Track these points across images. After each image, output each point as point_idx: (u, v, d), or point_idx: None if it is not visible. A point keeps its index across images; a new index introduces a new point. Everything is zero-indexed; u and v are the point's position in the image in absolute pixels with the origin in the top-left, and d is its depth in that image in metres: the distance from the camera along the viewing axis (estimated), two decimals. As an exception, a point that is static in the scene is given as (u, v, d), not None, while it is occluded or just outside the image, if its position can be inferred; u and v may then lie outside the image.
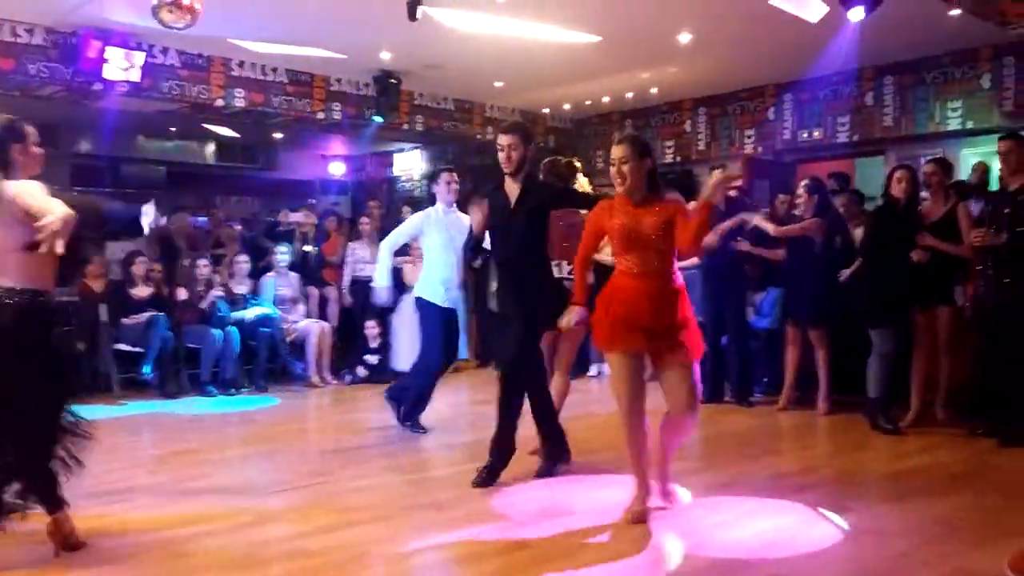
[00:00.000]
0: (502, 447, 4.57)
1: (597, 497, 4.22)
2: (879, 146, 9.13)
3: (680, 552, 3.48)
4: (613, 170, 3.83)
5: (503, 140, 4.47)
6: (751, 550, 3.48)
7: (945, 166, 6.06)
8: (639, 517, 3.82)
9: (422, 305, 5.87)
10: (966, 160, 8.34)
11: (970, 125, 8.26)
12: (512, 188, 4.53)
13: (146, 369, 7.46)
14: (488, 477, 4.50)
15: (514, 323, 4.50)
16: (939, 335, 5.79)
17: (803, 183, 6.56)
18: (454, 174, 6.08)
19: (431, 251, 5.92)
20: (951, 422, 5.81)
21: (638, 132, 10.20)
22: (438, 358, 5.84)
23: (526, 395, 4.58)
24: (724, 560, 3.37)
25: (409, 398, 5.94)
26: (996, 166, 6.64)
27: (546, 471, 4.64)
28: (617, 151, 3.82)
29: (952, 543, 3.54)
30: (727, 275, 6.82)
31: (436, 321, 5.81)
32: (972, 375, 5.83)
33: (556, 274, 4.84)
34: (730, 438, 4.30)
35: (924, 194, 6.28)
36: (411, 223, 6.10)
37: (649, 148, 3.90)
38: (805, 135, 9.41)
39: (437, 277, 5.84)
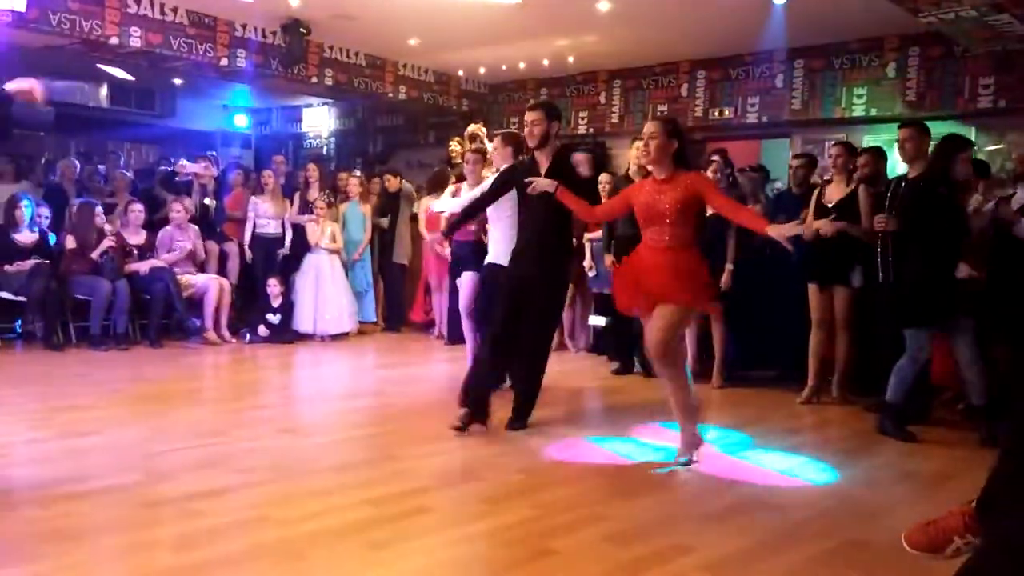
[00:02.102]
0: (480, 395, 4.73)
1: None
2: (785, 128, 9.33)
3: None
4: (640, 144, 4.23)
5: (527, 117, 4.83)
6: (645, 520, 3.48)
7: (850, 149, 6.21)
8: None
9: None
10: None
11: (874, 112, 8.49)
12: (542, 161, 4.84)
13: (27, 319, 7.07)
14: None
15: (534, 286, 4.77)
16: (836, 314, 5.96)
17: (714, 157, 6.62)
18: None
19: (498, 219, 5.64)
20: (845, 398, 6.00)
21: (553, 100, 10.27)
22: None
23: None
24: (618, 530, 3.34)
25: None
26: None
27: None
28: (648, 128, 4.18)
29: (844, 515, 3.64)
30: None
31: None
32: (865, 353, 6.04)
33: None
34: (629, 409, 4.36)
35: (827, 176, 6.49)
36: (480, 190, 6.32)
37: (680, 130, 4.21)
38: (716, 113, 9.54)
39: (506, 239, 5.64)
